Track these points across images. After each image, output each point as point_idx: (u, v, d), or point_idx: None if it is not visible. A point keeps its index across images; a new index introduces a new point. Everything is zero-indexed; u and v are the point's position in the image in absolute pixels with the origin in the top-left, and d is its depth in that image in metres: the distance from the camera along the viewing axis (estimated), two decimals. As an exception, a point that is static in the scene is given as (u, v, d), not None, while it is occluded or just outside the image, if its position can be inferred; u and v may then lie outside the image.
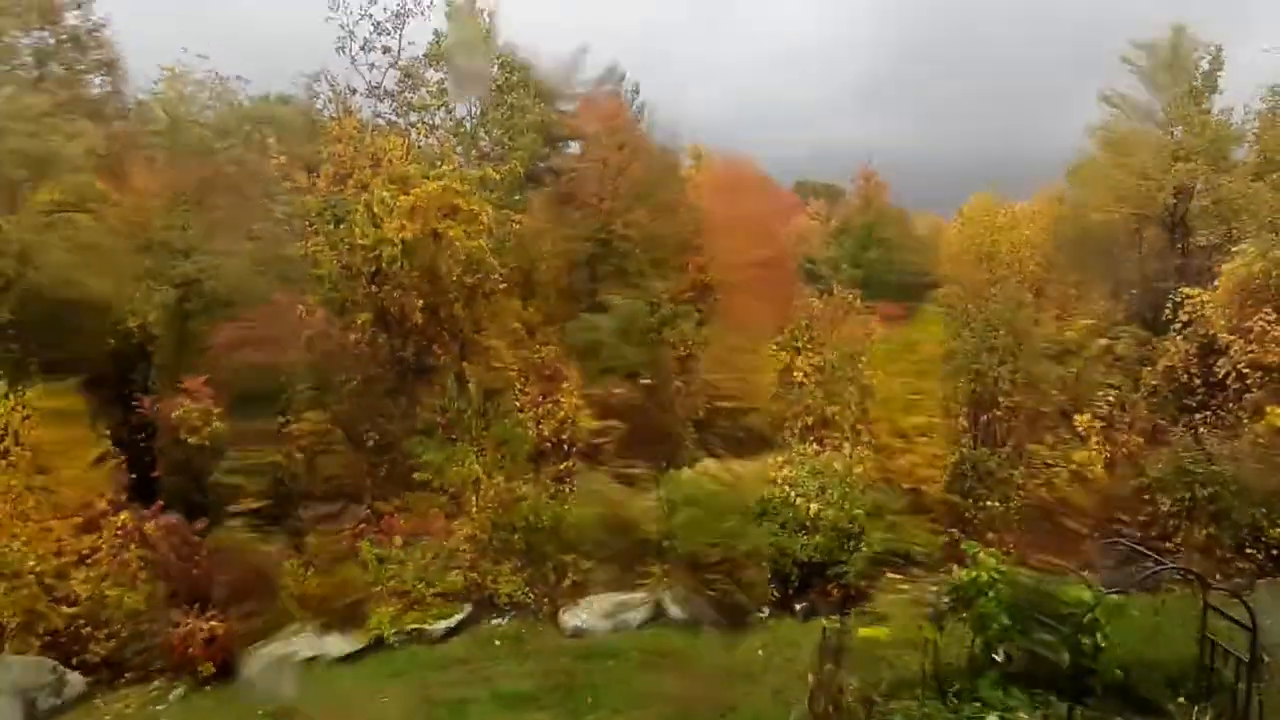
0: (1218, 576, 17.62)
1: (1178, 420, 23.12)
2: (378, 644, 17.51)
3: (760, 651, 17.11)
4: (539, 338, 25.52)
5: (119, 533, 17.33)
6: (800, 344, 26.90)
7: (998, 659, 12.50)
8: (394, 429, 22.04)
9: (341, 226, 21.62)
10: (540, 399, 23.80)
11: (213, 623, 16.61)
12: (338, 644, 17.43)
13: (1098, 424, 22.11)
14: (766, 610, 19.06)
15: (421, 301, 22.26)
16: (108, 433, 19.02)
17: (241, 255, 22.89)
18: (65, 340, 21.73)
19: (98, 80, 25.93)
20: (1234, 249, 25.05)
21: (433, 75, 25.03)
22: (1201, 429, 21.94)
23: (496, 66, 27.55)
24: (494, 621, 18.60)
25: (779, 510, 20.03)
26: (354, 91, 24.17)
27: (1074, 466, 21.32)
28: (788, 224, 43.80)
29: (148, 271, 22.60)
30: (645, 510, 20.08)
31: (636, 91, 32.06)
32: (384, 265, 21.66)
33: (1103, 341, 25.24)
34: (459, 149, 25.82)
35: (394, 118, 24.79)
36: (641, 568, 19.48)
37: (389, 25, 23.81)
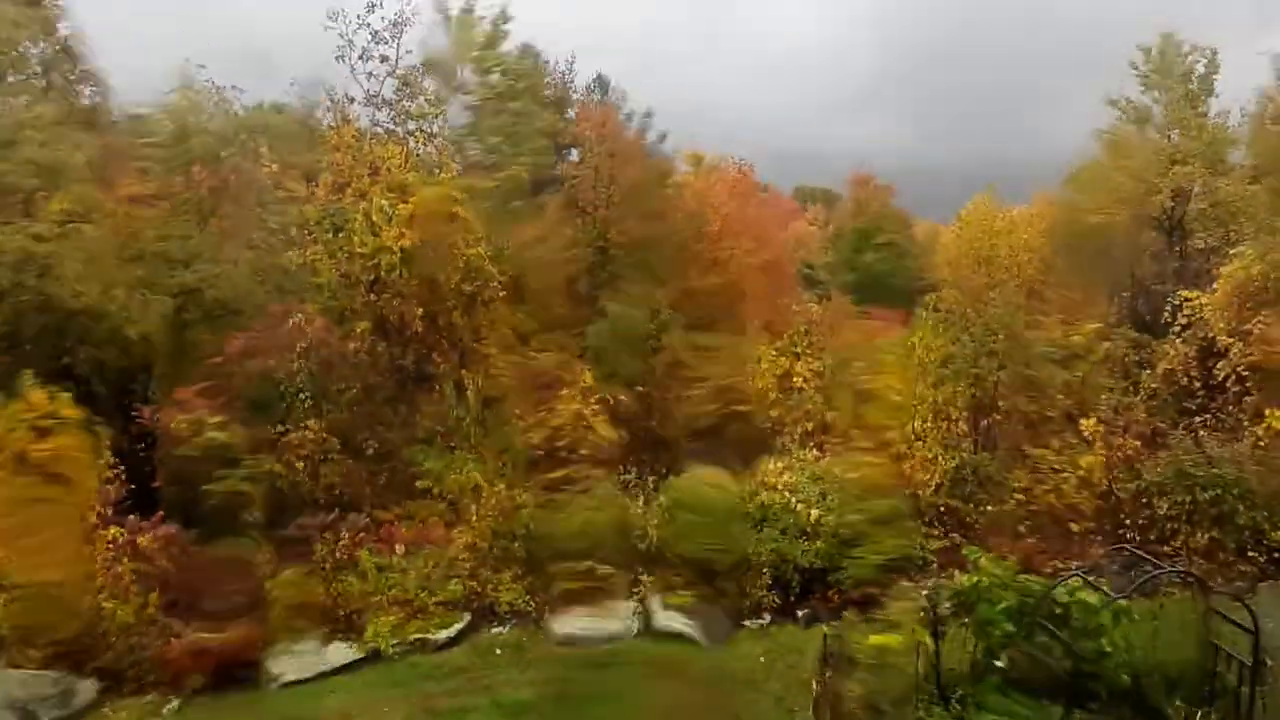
0: (1219, 580, 17.63)
1: (1177, 424, 23.09)
2: (378, 653, 17.43)
3: (762, 658, 17.05)
4: (534, 345, 25.48)
5: (110, 546, 17.24)
6: (799, 349, 26.88)
7: (1000, 665, 12.46)
8: (394, 437, 22.00)
9: (340, 235, 21.61)
10: (538, 407, 23.76)
11: (211, 634, 16.53)
12: (338, 654, 17.36)
13: (1100, 428, 22.10)
14: (768, 617, 19.01)
15: (421, 309, 22.27)
16: (107, 443, 18.93)
17: (241, 264, 22.88)
18: (64, 350, 21.73)
19: (88, 91, 25.94)
20: (1232, 251, 25.06)
21: (430, 84, 25.05)
22: (1202, 432, 21.90)
23: (499, 73, 27.55)
24: (494, 630, 18.53)
25: (779, 516, 20.00)
26: (352, 100, 24.19)
27: (1080, 472, 21.29)
28: (786, 229, 43.85)
29: (142, 281, 22.57)
30: (645, 518, 20.03)
31: (625, 99, 32.14)
32: (383, 274, 21.67)
33: (1105, 345, 25.24)
34: (456, 157, 25.84)
35: (392, 126, 24.81)
36: (641, 575, 19.43)
37: (386, 34, 23.84)
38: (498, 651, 17.75)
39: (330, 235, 21.74)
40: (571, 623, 18.54)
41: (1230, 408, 23.17)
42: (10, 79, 23.36)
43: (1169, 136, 29.39)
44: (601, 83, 31.87)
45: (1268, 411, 21.48)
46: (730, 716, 14.86)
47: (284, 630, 17.49)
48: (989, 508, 21.12)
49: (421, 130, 24.78)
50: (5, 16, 22.76)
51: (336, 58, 23.67)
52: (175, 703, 15.99)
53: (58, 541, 16.80)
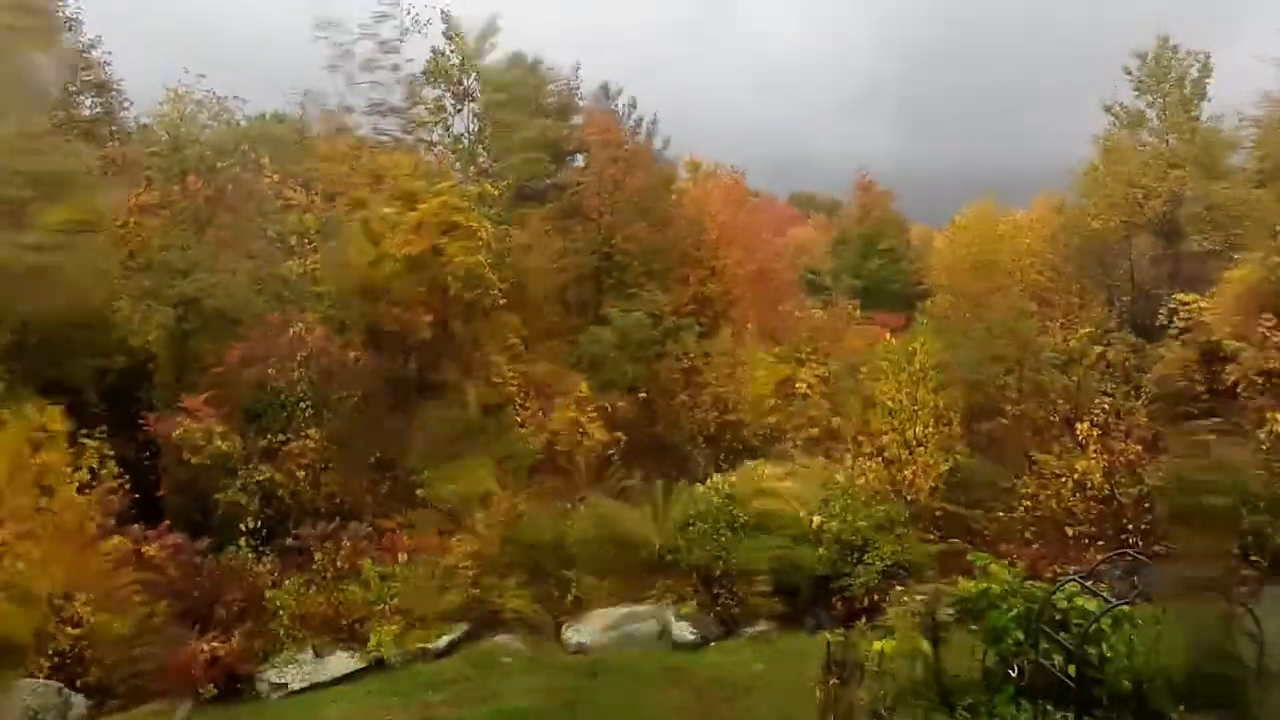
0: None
1: (1176, 427, 23.00)
2: (380, 663, 17.40)
3: (767, 666, 17.01)
4: (533, 352, 25.54)
5: (107, 558, 17.22)
6: (803, 355, 26.94)
7: (1013, 674, 12.40)
8: (395, 445, 22.02)
9: (333, 244, 21.65)
10: (539, 413, 23.84)
11: (215, 643, 16.53)
12: (340, 663, 17.33)
13: (1095, 432, 22.08)
14: (770, 624, 18.97)
15: (430, 317, 22.28)
16: (110, 454, 18.94)
17: (241, 274, 22.93)
18: (67, 360, 21.76)
19: (89, 101, 26.05)
20: (1235, 256, 25.03)
21: (430, 92, 25.12)
22: (1205, 436, 21.80)
23: (488, 84, 27.62)
24: (496, 638, 18.48)
25: (783, 523, 19.96)
26: (350, 110, 24.22)
27: (1076, 475, 21.29)
28: (784, 235, 44.03)
29: (146, 291, 22.63)
30: (649, 525, 20.01)
31: (634, 105, 32.19)
32: (381, 282, 21.69)
33: (1098, 349, 25.23)
34: (457, 165, 25.90)
35: (400, 134, 24.87)
36: (646, 582, 19.40)
37: (392, 43, 23.90)
38: (505, 660, 17.69)
39: (333, 244, 21.76)
40: (577, 630, 18.49)
41: (1237, 412, 23.07)
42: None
43: (1166, 141, 29.44)
44: (606, 89, 31.93)
45: (1270, 415, 21.43)
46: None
47: (286, 639, 17.47)
48: (997, 513, 21.07)
49: (423, 139, 24.87)
50: None
51: (330, 68, 23.68)
52: (181, 712, 15.98)
53: (55, 553, 16.80)
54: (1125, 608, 12.62)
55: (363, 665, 17.34)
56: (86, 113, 25.80)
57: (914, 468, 21.20)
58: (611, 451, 23.49)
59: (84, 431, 18.44)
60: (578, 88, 31.84)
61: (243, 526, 19.19)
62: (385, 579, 18.78)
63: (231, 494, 19.81)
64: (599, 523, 20.08)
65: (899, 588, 17.35)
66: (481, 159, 26.95)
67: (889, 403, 22.15)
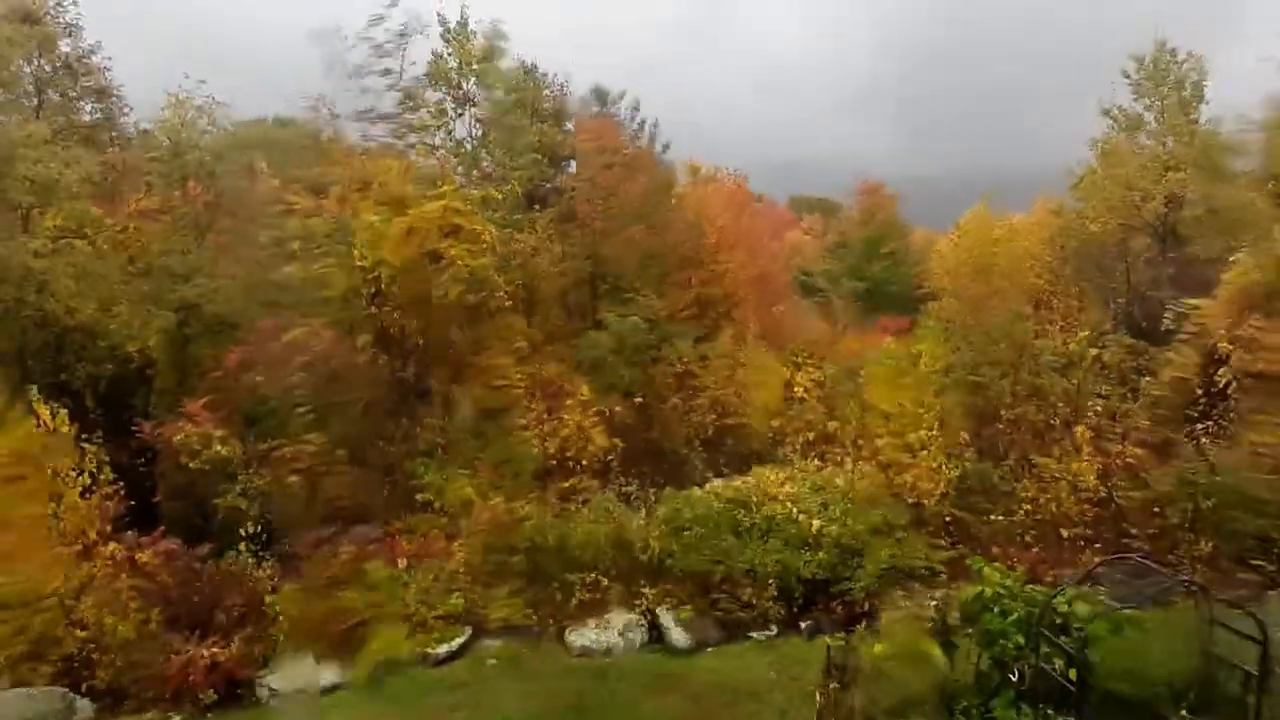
0: (1222, 588, 17.58)
1: (1181, 430, 23.07)
2: (380, 668, 17.34)
3: (766, 671, 17.00)
4: (542, 354, 25.57)
5: (109, 562, 17.21)
6: (800, 359, 26.96)
7: (1013, 678, 12.41)
8: (396, 450, 22.01)
9: (343, 248, 21.66)
10: (545, 416, 23.84)
11: (214, 649, 16.50)
12: (339, 669, 17.31)
13: (1089, 435, 22.12)
14: (773, 628, 18.98)
15: (418, 323, 22.27)
16: (107, 459, 18.93)
17: (240, 279, 22.92)
18: (65, 365, 21.77)
19: (89, 107, 26.03)
20: (1231, 259, 25.08)
21: (432, 96, 25.08)
22: (1203, 439, 21.88)
23: (496, 87, 27.63)
24: (498, 643, 18.46)
25: (782, 527, 19.98)
26: (336, 115, 24.14)
27: (1071, 478, 21.33)
28: (782, 239, 44.08)
29: (146, 296, 22.62)
30: (647, 529, 20.01)
31: (637, 109, 32.22)
32: (383, 286, 21.71)
33: (1094, 351, 25.27)
34: (460, 169, 25.89)
35: (391, 140, 24.82)
36: (646, 587, 19.40)
37: (390, 47, 23.85)
38: (506, 665, 17.69)
39: (344, 248, 21.74)
40: (580, 635, 18.50)
41: (1230, 414, 23.11)
42: (1, 97, 23.46)
43: (1164, 144, 29.49)
44: (600, 94, 31.96)
45: (1261, 418, 21.45)
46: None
47: (285, 645, 17.44)
48: (997, 517, 21.08)
49: (423, 143, 24.83)
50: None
51: (325, 75, 23.65)
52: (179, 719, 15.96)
53: (56, 557, 16.80)
54: (1126, 612, 12.65)
55: (364, 671, 17.27)
56: (87, 118, 25.78)
57: (916, 472, 21.19)
58: (610, 457, 23.52)
59: (84, 436, 18.43)
60: (570, 93, 31.94)
61: (242, 532, 19.17)
62: (385, 585, 18.76)
63: (231, 499, 19.80)
64: (596, 528, 20.06)
65: (899, 592, 17.37)
66: (485, 163, 26.94)
67: (885, 407, 22.14)
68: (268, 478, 20.14)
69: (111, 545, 17.62)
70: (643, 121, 31.76)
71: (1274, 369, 22.16)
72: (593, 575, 19.31)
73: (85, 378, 22.18)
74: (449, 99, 25.69)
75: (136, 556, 17.60)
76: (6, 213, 21.59)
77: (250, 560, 18.56)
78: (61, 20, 24.47)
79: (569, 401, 23.64)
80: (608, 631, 18.50)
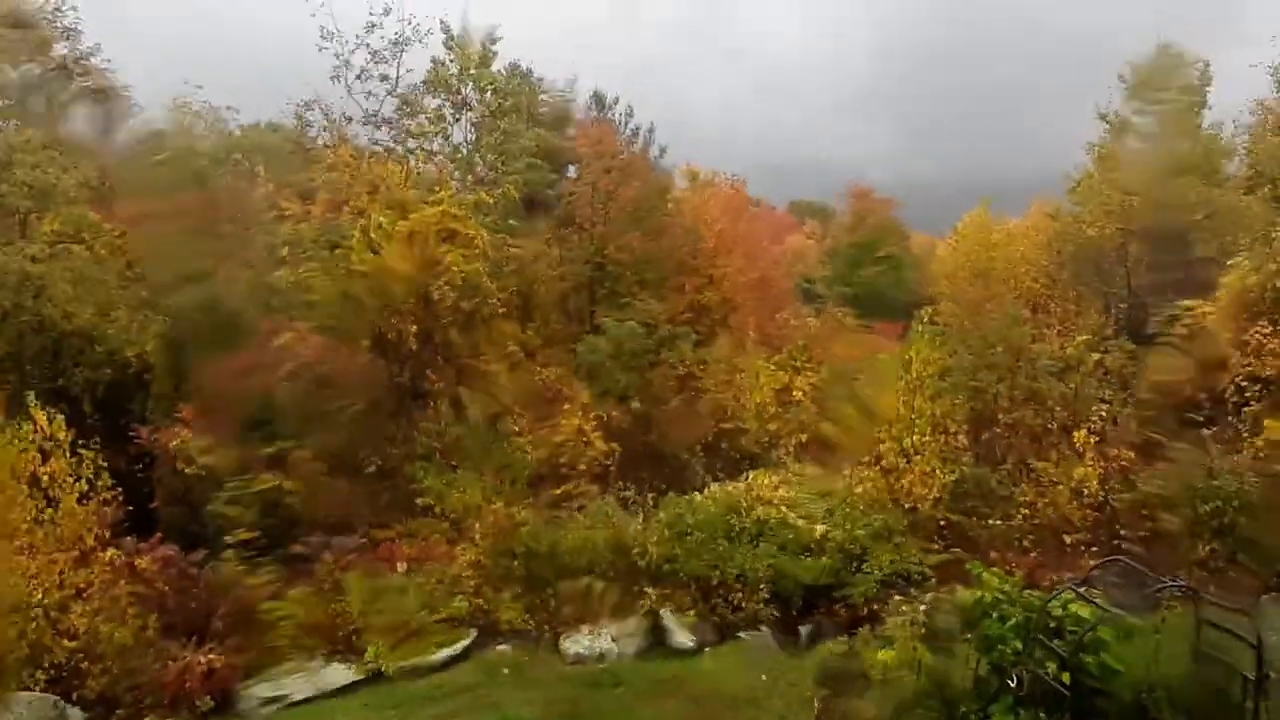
0: (1217, 592, 17.54)
1: (1178, 434, 23.05)
2: (379, 674, 17.29)
3: (764, 676, 16.94)
4: (538, 360, 25.58)
5: (108, 568, 17.15)
6: (798, 363, 26.96)
7: (1011, 684, 12.35)
8: (395, 454, 21.99)
9: (337, 253, 21.65)
10: (539, 422, 23.82)
11: (211, 656, 16.44)
12: (338, 674, 17.24)
13: (1092, 440, 22.11)
14: (771, 632, 18.91)
15: (416, 327, 22.28)
16: (104, 464, 18.87)
17: (236, 284, 22.92)
18: (62, 371, 21.73)
19: (85, 110, 26.01)
20: (1229, 263, 25.11)
21: (430, 102, 25.16)
22: (1203, 443, 21.84)
23: (490, 92, 27.73)
24: (494, 649, 18.38)
25: (776, 531, 19.93)
26: (350, 119, 24.28)
27: (1073, 483, 21.29)
28: (781, 244, 44.14)
29: (144, 301, 22.60)
30: (645, 534, 19.97)
31: (631, 114, 32.28)
32: (380, 291, 21.71)
33: (1096, 356, 25.27)
34: (456, 174, 25.95)
35: (392, 144, 24.92)
36: (642, 592, 19.35)
37: (386, 54, 23.95)
38: (503, 671, 17.56)
39: (328, 253, 21.74)
40: (575, 641, 18.45)
41: (1229, 419, 23.13)
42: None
43: (1162, 147, 29.52)
44: (599, 99, 32.04)
45: (1267, 422, 21.46)
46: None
47: (282, 651, 17.39)
48: (995, 522, 21.03)
49: (422, 148, 24.90)
50: None
51: (332, 78, 23.77)
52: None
53: (56, 563, 16.76)
54: (1121, 616, 12.60)
55: (360, 678, 17.22)
56: (82, 122, 25.78)
57: (911, 476, 21.17)
58: (609, 461, 23.51)
59: (81, 442, 18.38)
60: (573, 98, 32.01)
61: (229, 539, 19.10)
62: (382, 590, 18.71)
63: (222, 505, 19.75)
64: (593, 533, 20.03)
65: (898, 597, 17.32)
66: (479, 168, 27.02)
67: (885, 411, 22.10)
68: (267, 482, 20.09)
69: (110, 551, 17.56)
70: (637, 128, 31.86)
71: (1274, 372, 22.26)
72: (585, 581, 19.23)
73: (83, 383, 22.14)
74: (447, 104, 25.77)
75: (135, 563, 17.55)
76: (3, 218, 21.59)
77: (243, 567, 18.47)
78: (59, 24, 24.45)
79: (566, 407, 23.63)
80: (601, 638, 18.41)
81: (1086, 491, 21.48)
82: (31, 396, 17.78)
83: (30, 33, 23.95)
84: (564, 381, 24.97)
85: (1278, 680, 12.06)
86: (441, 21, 26.75)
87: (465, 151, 26.88)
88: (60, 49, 24.72)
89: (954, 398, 22.37)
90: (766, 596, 19.02)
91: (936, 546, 20.53)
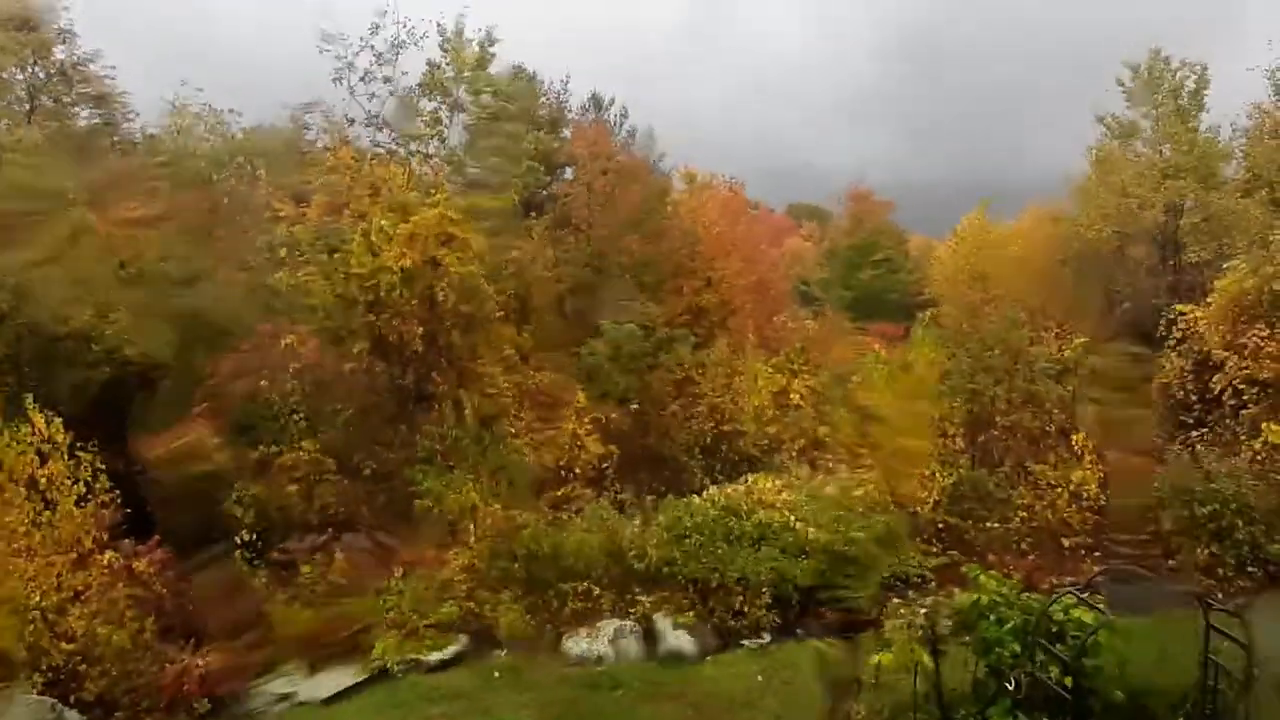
0: (1219, 596, 17.57)
1: (1174, 437, 23.11)
2: (375, 678, 17.27)
3: (760, 678, 16.95)
4: (533, 363, 25.57)
5: (106, 570, 17.12)
6: (795, 366, 26.98)
7: (1009, 686, 12.36)
8: (394, 457, 21.97)
9: (335, 256, 21.63)
10: (536, 425, 23.82)
11: (208, 658, 16.43)
12: (334, 678, 17.21)
13: (1090, 443, 22.13)
14: (767, 636, 18.92)
15: (421, 329, 22.30)
16: (103, 466, 18.85)
17: (236, 286, 22.91)
18: (60, 373, 21.66)
19: (85, 113, 26.03)
20: (1225, 265, 25.18)
21: (427, 104, 25.16)
22: (1199, 446, 21.90)
23: (490, 94, 27.72)
24: (494, 652, 18.38)
25: (778, 534, 19.94)
26: (352, 121, 24.26)
27: (1072, 486, 21.32)
28: (779, 246, 44.21)
29: (144, 304, 22.55)
30: (644, 537, 19.97)
31: (625, 115, 32.34)
32: (382, 293, 21.70)
33: (1093, 359, 25.29)
34: (453, 177, 25.95)
35: (394, 146, 24.92)
36: (641, 595, 19.35)
37: (389, 55, 23.97)
38: (497, 674, 17.56)
39: (325, 256, 21.72)
40: (574, 643, 18.45)
41: (1227, 421, 23.18)
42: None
43: (1160, 151, 29.62)
44: (596, 101, 32.12)
45: (1265, 426, 21.51)
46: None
47: (279, 654, 17.37)
48: (992, 525, 21.04)
49: (419, 151, 24.90)
50: None
51: (334, 80, 23.76)
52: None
53: (54, 566, 16.72)
54: (1123, 620, 12.61)
55: (359, 679, 17.21)
56: (83, 125, 25.78)
57: (911, 479, 21.17)
58: (607, 464, 23.51)
59: (78, 444, 18.35)
60: (567, 100, 32.08)
61: (237, 540, 19.14)
62: (381, 592, 18.72)
63: (226, 507, 19.73)
64: (590, 536, 20.02)
65: (897, 600, 17.32)
66: (472, 171, 27.03)
67: (884, 414, 22.09)
68: (263, 485, 20.07)
69: (108, 554, 17.52)
70: (634, 130, 31.93)
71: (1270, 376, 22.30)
72: (585, 584, 19.23)
73: (81, 384, 22.08)
74: (444, 107, 25.77)
75: (133, 565, 17.53)
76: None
77: (244, 569, 18.47)
78: (55, 26, 24.45)
79: (563, 410, 23.63)
80: (599, 640, 18.39)
81: (1086, 495, 21.53)
82: (30, 399, 17.76)
83: (31, 35, 23.96)
84: (560, 384, 24.96)
85: (1265, 680, 12.10)
86: (437, 24, 26.78)
87: (459, 154, 26.87)
88: (59, 53, 24.74)
89: (953, 400, 22.40)
90: (769, 601, 19.04)
91: (935, 549, 20.54)
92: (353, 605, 18.34)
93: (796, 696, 15.70)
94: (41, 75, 24.72)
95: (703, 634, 18.66)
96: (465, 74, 25.99)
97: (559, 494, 22.50)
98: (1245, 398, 22.85)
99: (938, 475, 21.27)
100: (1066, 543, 20.89)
